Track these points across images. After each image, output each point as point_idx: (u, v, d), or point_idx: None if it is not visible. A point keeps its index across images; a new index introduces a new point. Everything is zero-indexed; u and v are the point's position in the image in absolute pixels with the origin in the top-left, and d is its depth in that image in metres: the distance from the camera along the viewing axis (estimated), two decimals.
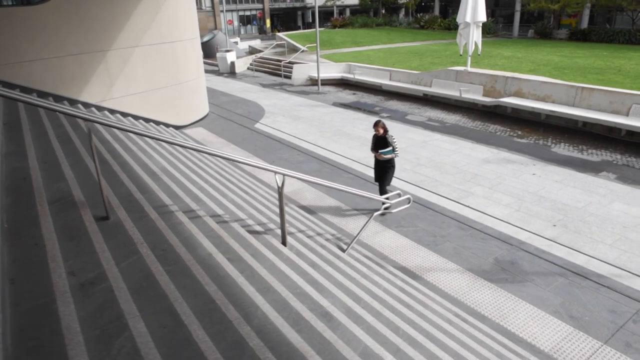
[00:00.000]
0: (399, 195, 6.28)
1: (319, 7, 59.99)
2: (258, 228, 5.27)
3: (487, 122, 13.33)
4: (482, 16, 13.43)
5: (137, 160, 6.83)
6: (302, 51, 25.01)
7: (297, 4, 60.85)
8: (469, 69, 14.80)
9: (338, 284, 4.38)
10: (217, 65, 26.64)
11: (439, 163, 9.87)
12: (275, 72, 23.90)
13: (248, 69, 26.43)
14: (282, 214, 5.06)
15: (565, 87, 12.47)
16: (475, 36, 13.77)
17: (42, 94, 9.74)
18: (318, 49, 18.86)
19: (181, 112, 13.34)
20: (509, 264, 6.11)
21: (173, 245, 3.71)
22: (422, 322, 4.14)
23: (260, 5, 58.72)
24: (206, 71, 26.32)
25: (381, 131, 7.12)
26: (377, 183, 7.73)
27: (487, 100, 13.88)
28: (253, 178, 8.80)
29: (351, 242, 6.08)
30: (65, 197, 4.13)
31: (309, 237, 5.91)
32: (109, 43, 10.91)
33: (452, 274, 5.89)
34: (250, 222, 5.44)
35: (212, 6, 54.09)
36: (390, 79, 17.75)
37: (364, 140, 11.62)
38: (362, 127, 12.94)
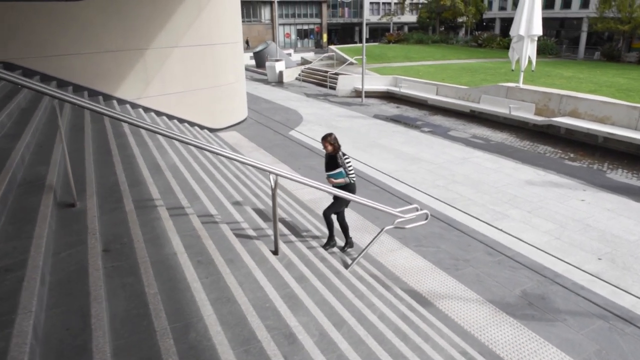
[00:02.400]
0: (416, 209, 5.63)
1: (376, 23, 59.70)
2: (251, 233, 4.81)
3: (537, 142, 12.27)
4: (538, 29, 12.47)
5: (146, 154, 6.59)
6: (350, 63, 24.67)
7: (355, 20, 60.98)
8: (521, 85, 13.80)
9: (322, 302, 3.82)
10: (266, 74, 26.83)
11: (476, 181, 9.06)
12: (321, 83, 23.69)
13: (296, 79, 26.40)
14: (275, 219, 4.59)
15: (628, 108, 11.24)
16: (529, 51, 12.81)
17: (78, 88, 9.89)
18: (364, 61, 18.42)
19: (217, 115, 13.26)
20: (539, 298, 5.28)
21: (134, 241, 3.31)
22: (413, 358, 3.49)
23: (318, 20, 59.38)
24: (255, 80, 26.69)
25: (329, 148, 5.53)
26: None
27: (539, 119, 12.83)
28: (283, 191, 8.39)
29: (357, 258, 5.49)
30: (38, 181, 3.85)
31: (310, 247, 5.40)
32: (148, 42, 10.99)
33: (470, 304, 5.15)
34: (245, 225, 4.99)
35: (271, 19, 55.26)
36: (436, 94, 16.97)
37: (398, 153, 10.98)
38: (399, 140, 12.30)
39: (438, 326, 4.57)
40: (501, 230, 7.00)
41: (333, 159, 5.59)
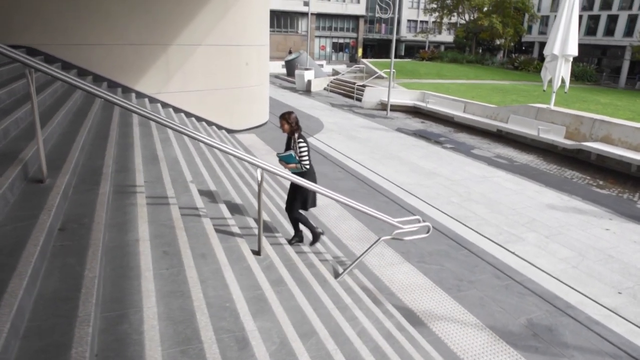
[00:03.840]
0: (418, 221, 5.25)
1: (412, 40, 59.33)
2: (237, 231, 4.54)
3: (564, 167, 11.64)
4: (573, 50, 11.89)
5: (147, 145, 6.45)
6: (378, 76, 24.39)
7: (391, 36, 60.83)
8: (552, 107, 13.19)
9: (295, 309, 3.50)
10: (295, 83, 26.84)
11: (493, 201, 8.57)
12: (348, 94, 23.48)
13: (324, 89, 26.30)
14: (259, 217, 4.31)
15: None
16: (562, 71, 12.23)
17: (98, 78, 9.93)
18: (391, 74, 18.12)
19: (236, 117, 13.16)
20: (546, 329, 4.80)
21: (95, 222, 3.08)
22: None
23: (354, 35, 59.52)
24: (283, 87, 26.74)
25: (286, 127, 5.03)
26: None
27: (569, 143, 12.19)
28: (283, 189, 8.16)
29: (348, 268, 5.14)
30: (12, 154, 3.67)
31: (300, 252, 5.08)
32: (172, 38, 10.99)
33: (467, 329, 4.72)
34: (232, 222, 4.73)
35: (308, 31, 55.71)
36: (464, 111, 16.47)
37: (414, 167, 10.58)
38: (419, 154, 11.88)
39: (426, 349, 4.17)
40: (513, 253, 6.52)
41: (290, 141, 5.12)
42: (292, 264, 4.53)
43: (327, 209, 7.69)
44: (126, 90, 10.49)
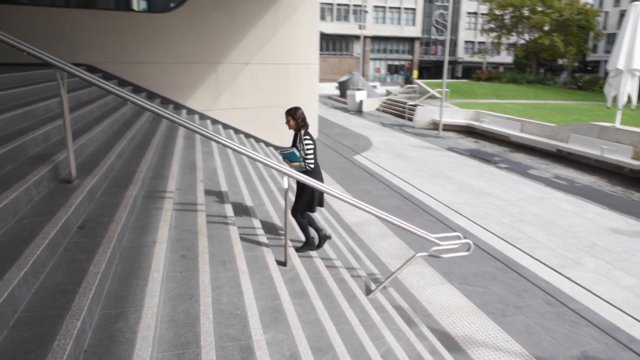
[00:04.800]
0: (458, 237, 4.91)
1: (469, 62, 58.18)
2: (265, 240, 4.43)
3: (632, 189, 10.70)
4: (639, 63, 11.05)
5: (188, 156, 6.56)
6: (431, 96, 23.93)
7: (448, 58, 59.77)
8: (617, 125, 12.26)
9: (314, 322, 3.30)
10: (347, 103, 26.92)
11: (549, 223, 7.96)
12: (400, 114, 23.20)
13: (376, 109, 26.19)
14: (286, 226, 4.18)
15: None
16: (628, 87, 11.38)
17: (152, 95, 10.35)
18: (444, 92, 17.70)
19: (284, 133, 13.16)
20: None
21: (114, 222, 3.07)
22: None
23: (409, 57, 59.27)
24: (335, 107, 26.89)
25: (291, 122, 4.70)
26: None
27: (637, 163, 11.23)
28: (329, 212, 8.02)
29: (382, 284, 4.87)
30: (46, 156, 3.78)
31: (331, 267, 4.88)
32: (222, 56, 11.32)
33: (510, 358, 4.29)
34: (261, 232, 4.64)
35: (363, 53, 56.10)
36: (520, 130, 15.71)
37: (464, 186, 10.11)
38: (470, 173, 11.38)
39: None
40: (569, 278, 5.96)
41: (296, 139, 4.79)
42: (319, 277, 4.34)
43: (367, 225, 7.46)
44: (178, 107, 10.86)
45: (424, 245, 6.52)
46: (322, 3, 51.80)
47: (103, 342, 2.04)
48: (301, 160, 4.65)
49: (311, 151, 4.64)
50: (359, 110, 25.17)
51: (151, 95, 10.36)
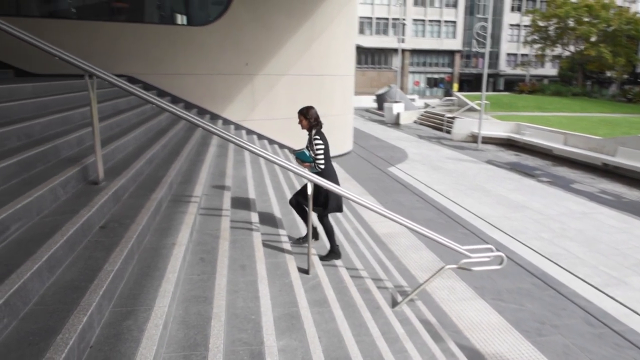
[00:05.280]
0: (490, 250, 4.70)
1: (512, 74, 56.76)
2: (289, 248, 4.39)
3: None
4: None
5: (219, 164, 6.65)
6: (470, 107, 23.42)
7: (490, 71, 58.27)
8: None
9: (332, 332, 3.21)
10: (384, 116, 26.76)
11: (591, 239, 7.53)
12: (438, 126, 22.82)
13: (414, 122, 25.89)
14: (308, 233, 4.13)
15: None
16: None
17: (189, 105, 10.63)
18: (483, 104, 17.28)
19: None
20: None
21: (135, 223, 3.11)
22: None
23: (449, 70, 58.44)
24: (373, 120, 26.80)
25: (304, 122, 4.58)
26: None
27: None
28: (359, 222, 7.94)
29: (408, 296, 4.70)
30: (75, 158, 3.88)
31: (356, 277, 4.77)
32: (258, 68, 11.50)
33: None
34: (286, 239, 4.60)
35: (402, 66, 55.72)
36: (564, 143, 15.09)
37: (502, 199, 9.76)
38: (508, 186, 10.98)
39: None
40: (612, 298, 5.58)
41: (310, 138, 4.63)
42: (343, 286, 4.24)
43: (398, 237, 7.30)
44: (214, 117, 11.10)
45: (457, 259, 6.32)
46: (361, 17, 51.98)
47: (110, 339, 2.03)
48: (311, 160, 4.52)
49: (321, 151, 4.48)
50: (396, 123, 24.95)
51: (189, 106, 10.63)
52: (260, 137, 11.82)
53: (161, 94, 10.09)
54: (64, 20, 9.60)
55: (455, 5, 55.54)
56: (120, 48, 9.60)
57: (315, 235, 5.12)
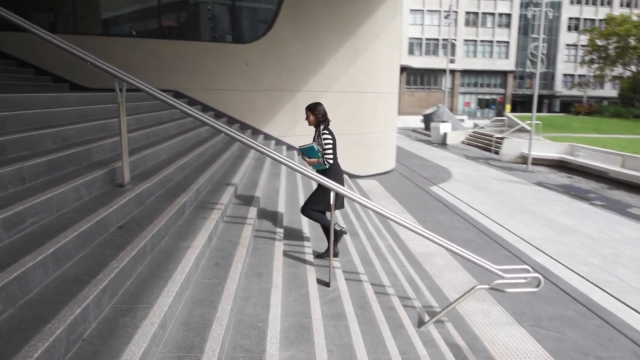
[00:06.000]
0: (526, 271, 4.39)
1: (567, 95, 54.57)
2: (309, 259, 4.31)
3: None
4: None
5: (252, 175, 6.72)
6: (520, 128, 22.59)
7: (545, 92, 56.33)
8: None
9: (344, 347, 3.07)
10: (430, 135, 26.33)
11: None
12: (487, 146, 22.15)
13: (462, 142, 25.30)
14: (330, 244, 4.03)
15: None
16: None
17: (232, 120, 10.87)
18: (533, 124, 16.61)
19: (359, 162, 13.15)
20: None
21: (152, 224, 3.14)
22: None
23: (502, 91, 56.97)
24: (419, 140, 26.43)
25: (311, 118, 4.55)
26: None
27: None
28: (394, 239, 7.76)
29: (435, 317, 4.47)
30: (105, 162, 3.99)
31: (381, 293, 4.60)
32: (301, 84, 11.63)
33: None
34: (309, 251, 4.52)
35: (452, 88, 54.85)
36: (622, 166, 14.18)
37: (549, 222, 9.23)
38: (558, 209, 10.39)
39: None
40: None
41: (316, 134, 4.58)
42: (364, 302, 4.09)
43: (434, 256, 7.03)
44: (256, 132, 11.27)
45: (493, 281, 6.00)
46: (410, 38, 51.91)
47: (104, 333, 2.02)
48: (320, 156, 4.44)
49: (330, 146, 4.41)
50: (442, 143, 24.46)
51: (231, 121, 10.87)
52: None
53: (205, 108, 10.39)
54: (114, 38, 10.15)
55: (508, 26, 54.36)
56: (168, 64, 10.00)
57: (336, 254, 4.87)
